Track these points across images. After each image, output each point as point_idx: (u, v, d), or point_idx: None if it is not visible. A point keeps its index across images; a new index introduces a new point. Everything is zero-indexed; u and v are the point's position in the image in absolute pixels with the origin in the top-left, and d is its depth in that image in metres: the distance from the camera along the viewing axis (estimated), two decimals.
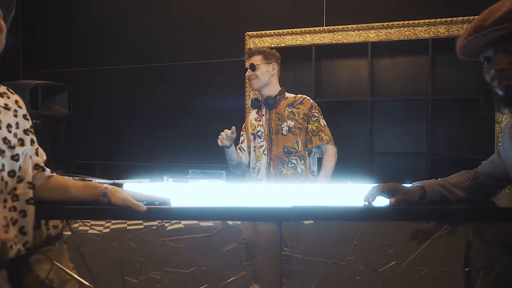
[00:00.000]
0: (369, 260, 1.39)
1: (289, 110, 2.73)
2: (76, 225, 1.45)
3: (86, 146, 4.10)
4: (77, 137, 3.71)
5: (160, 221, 1.40)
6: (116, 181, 1.72)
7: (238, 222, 1.44)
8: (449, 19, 3.40)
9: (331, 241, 1.41)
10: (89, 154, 4.09)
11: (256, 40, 3.87)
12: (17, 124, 1.31)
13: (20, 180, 1.29)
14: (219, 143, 2.56)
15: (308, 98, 2.80)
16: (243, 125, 2.94)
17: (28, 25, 4.45)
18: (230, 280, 1.39)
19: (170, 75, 4.15)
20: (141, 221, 1.39)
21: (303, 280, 1.39)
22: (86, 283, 1.40)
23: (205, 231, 1.42)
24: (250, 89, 3.86)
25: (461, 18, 3.38)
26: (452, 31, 3.40)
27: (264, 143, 2.73)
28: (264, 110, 2.80)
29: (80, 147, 3.94)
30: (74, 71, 4.31)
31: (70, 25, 4.41)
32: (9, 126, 1.28)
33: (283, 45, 3.78)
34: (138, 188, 1.50)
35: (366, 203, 1.37)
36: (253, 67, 2.75)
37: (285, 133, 2.69)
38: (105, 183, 1.42)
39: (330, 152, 2.67)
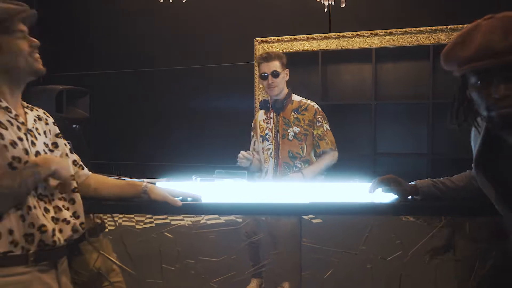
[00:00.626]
0: (378, 250, 1.58)
1: (295, 116, 2.78)
2: (119, 219, 1.64)
3: (107, 147, 4.26)
4: (98, 139, 3.88)
5: (194, 215, 1.59)
6: (146, 180, 1.90)
7: (262, 217, 1.63)
8: (449, 26, 3.58)
9: (345, 233, 1.60)
10: (111, 155, 4.23)
11: (264, 46, 4.05)
12: (49, 130, 1.50)
13: None
14: (240, 164, 2.66)
15: (312, 104, 2.83)
16: (252, 126, 3.01)
17: (46, 29, 4.63)
18: (255, 267, 1.58)
19: (183, 77, 4.31)
20: (179, 215, 1.57)
21: (320, 267, 1.57)
22: (129, 270, 1.59)
23: (234, 225, 1.60)
24: (259, 91, 4.05)
25: (460, 25, 3.55)
26: (452, 38, 3.56)
27: (271, 146, 2.79)
28: (272, 112, 2.84)
29: (101, 148, 4.12)
30: (92, 74, 4.47)
31: (87, 30, 4.56)
32: (44, 133, 1.46)
33: (291, 50, 3.96)
34: (172, 187, 1.69)
35: (371, 193, 1.56)
36: (275, 74, 2.75)
37: (291, 139, 2.74)
38: (143, 181, 1.61)
39: (328, 155, 2.74)
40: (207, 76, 4.26)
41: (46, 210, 1.34)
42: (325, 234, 1.58)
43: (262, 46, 4.07)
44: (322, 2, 2.54)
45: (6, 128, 1.30)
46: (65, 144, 1.54)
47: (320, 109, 2.83)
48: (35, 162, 1.30)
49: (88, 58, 4.54)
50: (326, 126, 2.80)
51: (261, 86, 3.96)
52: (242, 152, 2.68)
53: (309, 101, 2.85)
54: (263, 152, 2.84)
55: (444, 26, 3.59)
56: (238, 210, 1.58)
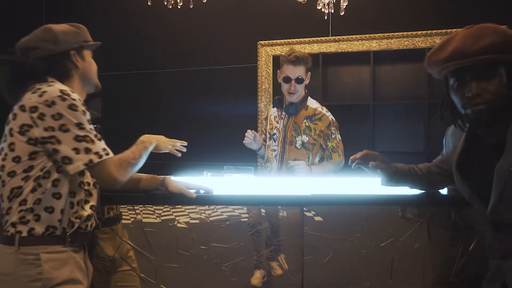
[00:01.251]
0: (373, 237, 1.75)
1: (307, 123, 2.69)
2: (140, 210, 1.82)
3: (120, 146, 4.42)
4: (111, 138, 4.04)
5: (207, 206, 1.76)
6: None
7: (268, 208, 1.81)
8: (444, 30, 3.74)
9: (342, 222, 1.77)
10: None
11: (267, 49, 4.23)
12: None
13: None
14: (249, 146, 2.68)
15: (328, 115, 2.73)
16: (265, 115, 3.00)
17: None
18: (263, 252, 1.76)
19: (191, 79, 4.46)
20: (193, 206, 1.75)
21: (321, 252, 1.75)
22: (149, 255, 1.77)
23: (243, 215, 1.78)
24: (262, 89, 4.21)
25: (454, 30, 3.71)
26: None
27: (277, 148, 2.72)
28: (283, 114, 2.78)
29: (115, 147, 4.28)
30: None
31: (98, 32, 4.74)
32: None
33: (305, 54, 4.12)
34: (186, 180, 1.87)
35: (353, 163, 1.68)
36: (299, 80, 2.64)
37: (299, 147, 2.67)
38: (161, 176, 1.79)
39: (337, 162, 2.72)
40: (213, 78, 4.42)
41: (86, 201, 1.53)
42: (325, 224, 1.76)
43: (265, 49, 4.24)
44: (323, 10, 2.70)
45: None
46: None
47: (334, 119, 2.76)
48: (140, 140, 1.65)
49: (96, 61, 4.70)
50: (339, 137, 2.75)
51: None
52: (248, 132, 2.69)
53: (324, 111, 2.77)
54: (267, 149, 2.81)
55: (439, 30, 3.75)
56: (245, 201, 1.76)
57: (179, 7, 3.22)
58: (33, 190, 1.42)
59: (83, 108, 1.46)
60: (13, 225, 1.43)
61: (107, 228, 1.84)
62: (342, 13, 2.74)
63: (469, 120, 1.39)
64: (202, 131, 4.34)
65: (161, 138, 1.76)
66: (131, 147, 1.61)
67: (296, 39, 4.15)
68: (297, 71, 2.64)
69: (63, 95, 1.44)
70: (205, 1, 3.23)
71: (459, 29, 1.41)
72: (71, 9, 4.79)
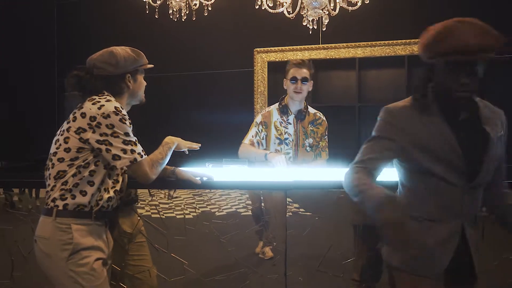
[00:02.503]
0: (344, 215, 2.16)
1: (311, 128, 2.98)
2: (155, 194, 2.23)
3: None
4: None
5: (209, 190, 2.17)
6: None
7: (259, 192, 2.22)
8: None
9: (319, 202, 2.18)
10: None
11: (263, 55, 4.64)
12: None
13: None
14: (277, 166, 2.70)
15: (324, 119, 3.04)
16: (260, 120, 3.02)
17: (62, 35, 5.21)
18: (254, 227, 2.17)
19: (191, 82, 4.87)
20: (196, 190, 2.16)
21: (300, 227, 2.16)
22: (162, 230, 2.18)
23: (239, 197, 2.19)
24: (257, 93, 4.62)
25: None
26: None
27: (291, 151, 2.93)
28: (291, 118, 2.97)
29: None
30: None
31: (100, 36, 5.13)
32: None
33: (285, 59, 4.51)
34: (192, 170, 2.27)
35: None
36: (306, 80, 2.89)
37: (308, 150, 2.96)
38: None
39: (324, 160, 3.02)
40: (213, 81, 4.82)
41: (113, 187, 1.92)
42: (305, 204, 2.17)
43: (260, 56, 4.65)
44: (308, 26, 3.10)
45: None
46: None
47: (327, 124, 3.07)
48: (165, 141, 2.05)
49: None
50: (327, 138, 3.05)
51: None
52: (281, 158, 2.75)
53: (321, 114, 3.06)
54: (274, 150, 2.95)
55: (417, 40, 4.13)
56: (240, 186, 2.17)
57: (183, 20, 3.61)
58: (74, 175, 1.82)
59: (129, 121, 1.88)
60: (54, 200, 1.82)
61: (127, 207, 2.24)
62: (324, 29, 3.14)
63: (453, 100, 1.54)
64: (204, 129, 4.71)
65: (180, 140, 2.14)
66: (158, 148, 2.01)
67: (289, 47, 4.55)
68: (303, 73, 2.89)
69: (116, 111, 1.84)
70: (206, 14, 3.60)
71: (453, 21, 1.53)
72: (80, 17, 5.20)
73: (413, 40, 4.16)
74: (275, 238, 2.24)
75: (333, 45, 4.42)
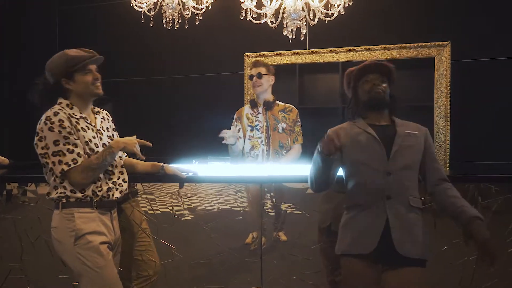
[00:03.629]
0: (314, 205, 2.46)
1: (282, 115, 3.38)
2: (148, 188, 2.52)
3: None
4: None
5: (194, 183, 2.47)
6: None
7: (240, 185, 2.51)
8: (400, 45, 4.43)
9: (291, 192, 2.48)
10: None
11: (252, 60, 4.90)
12: (109, 126, 2.35)
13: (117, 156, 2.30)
14: (226, 142, 3.15)
15: (294, 107, 3.47)
16: (235, 117, 3.51)
17: (64, 40, 5.49)
18: (239, 217, 2.47)
19: (185, 84, 5.16)
20: (184, 183, 2.45)
21: (274, 215, 2.45)
22: (155, 220, 2.47)
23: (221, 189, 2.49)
24: (248, 94, 4.91)
25: (409, 44, 4.40)
26: (402, 54, 4.44)
27: (262, 136, 3.34)
28: (260, 109, 3.41)
29: None
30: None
31: (103, 43, 5.41)
32: (107, 129, 2.31)
33: (274, 63, 4.80)
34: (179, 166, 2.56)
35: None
36: (260, 76, 3.36)
37: (281, 132, 3.32)
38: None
39: (297, 149, 3.39)
40: (206, 83, 5.11)
41: (110, 178, 2.18)
42: (277, 195, 2.47)
43: (250, 60, 4.92)
44: (288, 36, 3.38)
45: (86, 131, 2.14)
46: (117, 135, 2.37)
47: (298, 112, 3.49)
48: (109, 144, 2.12)
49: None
50: (300, 125, 3.46)
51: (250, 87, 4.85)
52: (226, 131, 3.18)
53: (291, 105, 3.50)
54: (250, 139, 3.38)
55: (396, 45, 4.43)
56: (221, 180, 2.46)
57: (176, 28, 3.89)
58: None
59: (58, 128, 2.01)
60: (59, 195, 2.07)
61: (134, 198, 2.54)
62: (302, 38, 3.43)
63: (371, 100, 2.08)
64: (197, 129, 4.97)
65: (128, 140, 2.16)
66: (102, 152, 2.10)
67: (277, 51, 4.83)
68: (258, 70, 3.39)
69: (46, 120, 2.03)
70: (197, 22, 3.88)
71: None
72: (81, 22, 5.49)
73: (392, 45, 4.45)
74: (283, 224, 2.51)
75: (318, 50, 4.70)
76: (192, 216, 2.53)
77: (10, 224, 2.53)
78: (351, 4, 3.27)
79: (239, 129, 3.41)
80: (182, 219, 2.53)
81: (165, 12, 3.79)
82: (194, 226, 2.53)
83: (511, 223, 2.36)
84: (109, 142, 2.23)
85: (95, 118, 2.27)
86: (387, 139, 1.99)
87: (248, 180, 2.48)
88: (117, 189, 2.20)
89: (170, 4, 3.75)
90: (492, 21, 4.22)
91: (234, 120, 3.54)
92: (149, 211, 2.55)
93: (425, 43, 4.34)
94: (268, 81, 3.42)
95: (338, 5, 3.21)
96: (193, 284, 2.49)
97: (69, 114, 2.11)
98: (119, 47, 5.32)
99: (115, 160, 2.24)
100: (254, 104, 3.48)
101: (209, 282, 2.47)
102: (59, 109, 2.10)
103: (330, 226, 2.40)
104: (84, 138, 2.11)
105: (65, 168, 2.02)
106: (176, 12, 3.79)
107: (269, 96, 3.45)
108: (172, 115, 5.19)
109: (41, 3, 5.66)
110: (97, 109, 2.34)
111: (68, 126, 2.06)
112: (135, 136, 2.24)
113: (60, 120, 2.04)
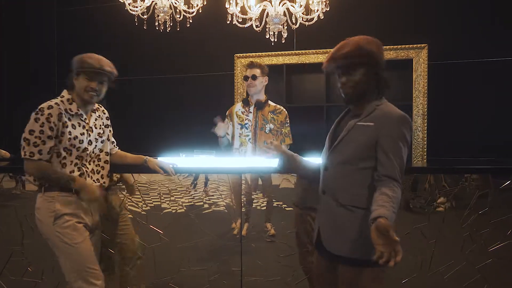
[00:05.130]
0: (292, 194, 2.69)
1: (271, 116, 3.48)
2: (137, 178, 2.76)
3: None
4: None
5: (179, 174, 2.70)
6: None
7: (224, 176, 2.75)
8: (385, 47, 4.66)
9: (268, 182, 2.72)
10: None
11: (242, 60, 5.17)
12: (102, 123, 2.52)
13: (101, 151, 2.46)
14: (214, 131, 3.28)
15: (284, 109, 3.55)
16: (227, 114, 3.62)
17: (62, 40, 5.72)
18: (222, 201, 2.71)
19: (178, 82, 5.41)
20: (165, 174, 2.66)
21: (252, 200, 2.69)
22: (139, 210, 2.71)
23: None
24: (237, 93, 5.15)
25: (389, 46, 4.65)
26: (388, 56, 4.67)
27: (250, 134, 3.44)
28: (251, 108, 3.51)
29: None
30: None
31: (99, 43, 5.64)
32: (100, 126, 2.45)
33: (262, 64, 5.04)
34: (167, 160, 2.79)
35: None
36: (254, 77, 3.45)
37: (267, 132, 3.42)
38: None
39: (288, 145, 3.49)
40: (198, 83, 5.36)
41: (82, 174, 2.30)
42: (255, 184, 2.71)
43: (240, 60, 5.18)
44: (271, 39, 3.63)
45: (75, 128, 2.31)
46: (110, 131, 2.54)
47: (287, 113, 3.57)
48: (75, 178, 2.21)
49: None
50: (289, 127, 3.55)
51: (243, 87, 5.08)
52: (220, 123, 3.31)
53: (282, 107, 3.57)
54: (240, 136, 3.50)
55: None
56: (205, 170, 2.70)
57: (168, 31, 4.12)
58: (52, 162, 2.25)
59: (43, 121, 2.15)
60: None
61: (114, 187, 2.76)
62: (283, 41, 3.67)
63: (344, 97, 1.85)
64: (190, 125, 5.22)
65: (90, 193, 2.25)
66: (67, 175, 2.21)
67: (266, 52, 5.08)
68: (252, 71, 3.49)
69: (38, 110, 2.17)
70: (188, 25, 4.10)
71: None
72: (78, 24, 5.72)
73: None
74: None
75: (304, 51, 4.95)
76: (176, 201, 2.77)
77: (12, 211, 2.74)
78: (328, 10, 3.51)
79: (228, 126, 3.54)
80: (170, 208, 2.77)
81: (158, 15, 4.03)
82: (182, 216, 2.76)
83: (469, 210, 2.59)
84: (96, 140, 2.40)
85: (91, 115, 2.43)
86: (340, 132, 1.85)
87: (228, 170, 2.72)
88: (93, 178, 2.36)
89: (162, 8, 3.97)
90: (467, 26, 4.48)
91: (225, 117, 3.65)
92: (140, 204, 2.78)
93: (404, 46, 4.60)
94: (262, 82, 3.54)
95: (317, 10, 3.45)
96: (179, 265, 2.73)
97: (66, 109, 2.27)
98: (115, 48, 5.54)
99: (93, 153, 2.39)
100: (246, 103, 3.60)
101: (193, 263, 2.71)
102: (55, 103, 2.25)
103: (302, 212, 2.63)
104: (70, 134, 2.26)
105: (23, 155, 2.19)
106: (168, 16, 4.01)
107: (261, 97, 3.57)
108: (164, 113, 5.42)
109: (40, 5, 5.89)
110: (96, 106, 2.49)
111: (53, 122, 2.20)
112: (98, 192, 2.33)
113: (49, 114, 2.19)
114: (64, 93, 2.34)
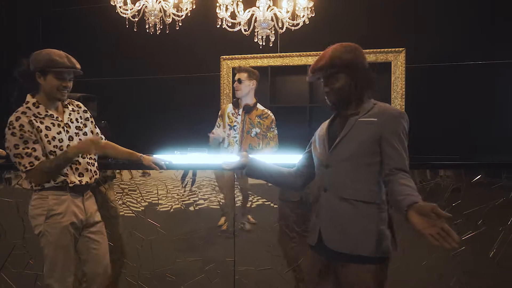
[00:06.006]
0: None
1: (258, 120, 3.62)
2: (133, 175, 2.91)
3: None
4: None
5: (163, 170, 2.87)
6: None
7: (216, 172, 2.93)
8: (366, 50, 4.88)
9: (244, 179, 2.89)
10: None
11: (228, 62, 5.33)
12: (80, 117, 2.51)
13: None
14: (211, 141, 3.57)
15: (271, 114, 3.69)
16: (219, 113, 3.81)
17: (47, 45, 5.77)
18: (216, 196, 2.88)
19: (165, 83, 5.54)
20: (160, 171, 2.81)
21: (245, 193, 2.87)
22: (134, 208, 2.86)
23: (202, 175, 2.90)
24: (223, 93, 5.31)
25: (368, 50, 4.87)
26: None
27: (237, 136, 3.64)
28: (240, 111, 3.66)
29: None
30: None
31: (82, 45, 5.71)
32: (76, 120, 2.47)
33: (248, 65, 5.22)
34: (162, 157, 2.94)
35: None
36: (240, 81, 3.62)
37: (253, 136, 3.60)
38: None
39: (272, 148, 3.65)
40: (185, 83, 5.49)
41: (76, 169, 2.37)
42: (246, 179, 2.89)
43: (226, 62, 5.35)
44: (259, 42, 3.81)
45: (50, 129, 2.30)
46: (91, 122, 2.56)
47: (274, 118, 3.70)
48: (65, 149, 2.29)
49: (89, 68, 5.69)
50: (276, 131, 3.71)
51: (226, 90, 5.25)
52: (217, 132, 3.63)
53: (269, 112, 3.71)
54: (228, 136, 3.68)
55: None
56: (197, 167, 2.87)
57: (158, 33, 4.25)
58: None
59: (20, 133, 2.18)
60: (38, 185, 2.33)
61: (109, 182, 2.89)
62: (271, 45, 3.86)
63: (330, 105, 1.95)
64: (177, 124, 5.38)
65: (82, 144, 2.33)
66: (61, 155, 2.28)
67: (251, 55, 5.25)
68: (239, 75, 3.67)
69: (8, 125, 2.22)
70: (177, 28, 4.23)
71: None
72: (63, 28, 5.79)
73: None
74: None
75: (288, 54, 5.15)
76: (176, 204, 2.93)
77: (13, 206, 2.85)
78: (313, 16, 3.71)
79: (220, 125, 3.79)
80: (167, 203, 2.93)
81: (148, 18, 4.16)
82: (178, 212, 2.92)
83: (443, 203, 2.82)
84: (77, 134, 2.45)
85: (63, 112, 2.42)
86: (339, 131, 1.89)
87: (214, 166, 2.88)
88: (83, 176, 2.43)
89: (152, 12, 4.10)
90: (442, 30, 4.74)
91: (218, 116, 3.84)
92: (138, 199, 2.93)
93: (382, 49, 4.85)
94: (249, 85, 3.66)
95: (303, 16, 3.65)
96: (176, 257, 2.89)
97: (34, 113, 2.29)
98: (102, 51, 5.63)
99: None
100: (236, 105, 3.75)
101: (189, 254, 2.88)
102: (22, 112, 2.27)
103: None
104: (47, 137, 2.30)
105: (23, 169, 2.23)
106: (158, 19, 4.15)
107: (250, 101, 3.70)
108: (155, 111, 5.55)
109: (30, 5, 5.92)
110: (68, 101, 2.47)
111: (28, 131, 2.23)
112: (90, 136, 2.44)
113: (20, 125, 2.22)
114: (28, 98, 2.35)
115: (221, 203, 2.93)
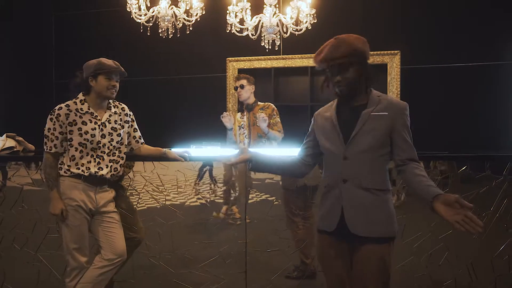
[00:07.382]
0: (287, 180, 3.20)
1: (260, 112, 4.01)
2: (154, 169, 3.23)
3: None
4: None
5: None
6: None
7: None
8: None
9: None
10: None
11: (234, 64, 5.64)
12: (120, 119, 2.79)
13: (121, 144, 2.78)
14: (225, 123, 4.04)
15: (271, 104, 4.15)
16: (233, 122, 4.22)
17: (59, 45, 6.05)
18: (224, 188, 3.20)
19: (175, 84, 5.85)
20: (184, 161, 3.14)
21: (257, 186, 3.19)
22: (161, 195, 3.17)
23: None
24: (229, 94, 5.61)
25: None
26: None
27: (245, 131, 4.12)
28: (245, 112, 4.18)
29: None
30: None
31: (93, 45, 5.95)
32: (115, 122, 2.76)
33: (253, 67, 5.55)
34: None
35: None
36: (242, 87, 4.11)
37: (258, 125, 3.93)
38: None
39: (277, 135, 4.03)
40: (193, 84, 5.78)
41: (98, 162, 2.64)
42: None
43: (232, 64, 5.65)
44: (265, 46, 4.13)
45: (86, 124, 2.60)
46: (131, 126, 2.84)
47: (275, 108, 4.16)
48: (51, 188, 2.61)
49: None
50: (278, 119, 4.09)
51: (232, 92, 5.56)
52: (224, 114, 4.09)
53: (269, 103, 4.20)
54: (239, 135, 4.15)
55: None
56: (212, 158, 3.19)
57: (170, 37, 4.54)
58: (67, 155, 2.63)
59: (55, 119, 2.55)
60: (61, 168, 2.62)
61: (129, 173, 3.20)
62: (276, 48, 4.17)
63: (338, 95, 1.98)
64: (186, 123, 5.66)
65: (53, 208, 2.62)
66: (52, 181, 2.62)
67: (255, 57, 5.54)
68: (240, 82, 4.12)
69: (52, 111, 2.59)
70: (188, 32, 4.53)
71: (332, 39, 1.99)
72: (75, 28, 6.07)
73: None
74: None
75: (290, 56, 5.45)
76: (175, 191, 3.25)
77: (47, 194, 3.16)
78: (315, 21, 4.03)
79: (232, 127, 4.20)
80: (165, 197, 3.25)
81: (160, 23, 4.45)
82: (195, 200, 3.24)
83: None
84: (110, 134, 2.72)
85: (105, 112, 2.72)
86: (351, 123, 1.93)
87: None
88: (102, 169, 2.67)
89: (165, 17, 4.40)
90: (436, 33, 5.07)
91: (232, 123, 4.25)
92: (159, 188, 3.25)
93: (379, 52, 5.17)
94: (249, 89, 4.15)
95: (306, 22, 3.97)
96: (194, 239, 3.21)
97: (77, 108, 2.62)
98: (113, 52, 5.82)
99: (111, 145, 2.71)
100: (241, 109, 4.29)
101: (204, 237, 3.20)
102: (66, 104, 2.61)
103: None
104: (80, 130, 2.61)
105: (45, 149, 2.61)
106: (170, 23, 4.45)
107: (250, 101, 4.18)
108: (169, 110, 5.84)
109: (37, 8, 6.19)
110: (113, 103, 2.78)
111: (61, 120, 2.58)
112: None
113: (58, 114, 2.58)
114: (79, 95, 2.69)
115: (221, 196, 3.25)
